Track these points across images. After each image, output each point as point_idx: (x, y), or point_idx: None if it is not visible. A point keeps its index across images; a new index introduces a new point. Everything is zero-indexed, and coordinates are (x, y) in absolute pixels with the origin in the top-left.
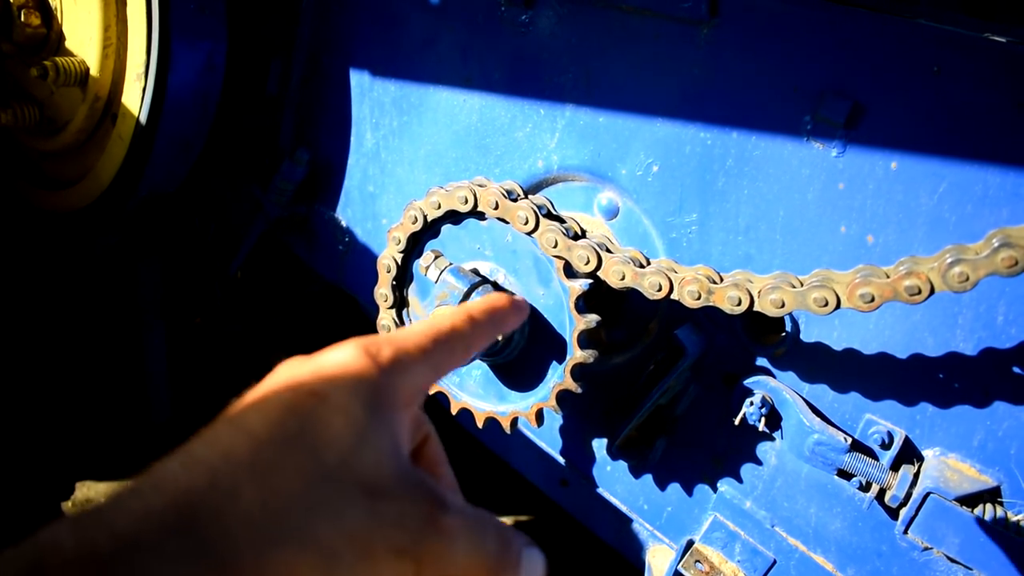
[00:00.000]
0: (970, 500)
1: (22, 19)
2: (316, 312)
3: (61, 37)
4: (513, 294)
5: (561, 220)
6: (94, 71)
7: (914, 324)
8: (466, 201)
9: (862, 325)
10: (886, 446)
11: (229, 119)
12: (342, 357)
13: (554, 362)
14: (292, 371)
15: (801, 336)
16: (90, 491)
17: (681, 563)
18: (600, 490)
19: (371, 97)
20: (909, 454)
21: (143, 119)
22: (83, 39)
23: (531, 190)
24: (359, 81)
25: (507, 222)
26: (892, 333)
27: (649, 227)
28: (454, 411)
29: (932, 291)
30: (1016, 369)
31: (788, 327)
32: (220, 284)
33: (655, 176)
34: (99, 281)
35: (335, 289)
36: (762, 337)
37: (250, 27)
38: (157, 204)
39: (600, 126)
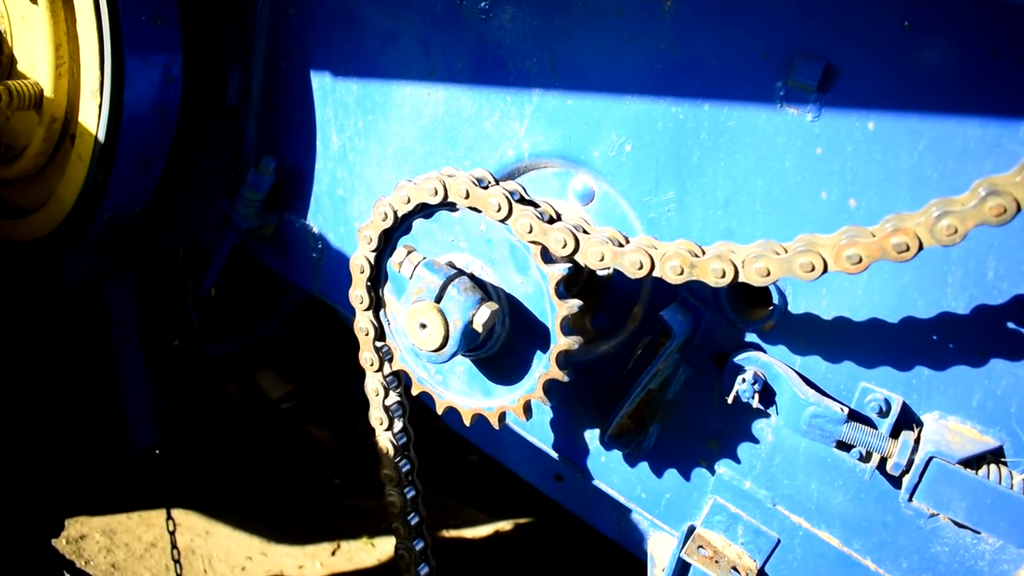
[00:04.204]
0: (974, 462)
1: None
2: (294, 326)
3: (12, 60)
4: None
5: (535, 205)
6: (48, 92)
7: (903, 286)
8: (436, 192)
9: (851, 291)
10: (884, 413)
11: (191, 133)
12: None
13: (538, 352)
14: None
15: (789, 308)
16: (84, 527)
17: (684, 550)
18: (596, 482)
19: (334, 99)
20: (908, 420)
21: (101, 137)
22: (35, 60)
23: (503, 180)
24: (320, 83)
25: (479, 211)
26: (881, 298)
27: (626, 209)
28: (440, 410)
29: (921, 247)
30: (1011, 324)
31: (776, 299)
32: (194, 303)
33: (628, 156)
34: (70, 308)
35: (311, 303)
36: (749, 312)
37: (206, 37)
38: (124, 225)
39: (569, 109)
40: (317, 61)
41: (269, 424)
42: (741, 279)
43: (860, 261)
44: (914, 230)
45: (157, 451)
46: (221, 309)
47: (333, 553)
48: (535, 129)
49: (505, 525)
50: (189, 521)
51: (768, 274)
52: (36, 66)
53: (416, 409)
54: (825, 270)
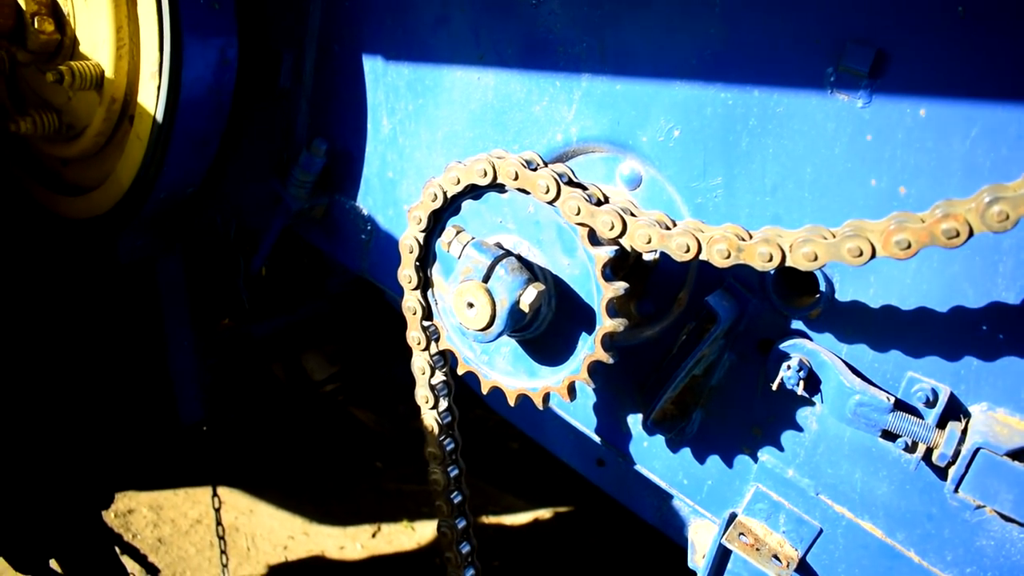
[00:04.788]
0: (1022, 454)
1: (36, 26)
2: (340, 308)
3: (75, 42)
4: None
5: (583, 187)
6: (109, 73)
7: (953, 275)
8: (485, 174)
9: (899, 280)
10: (931, 404)
11: (244, 114)
12: None
13: (584, 334)
14: None
15: (836, 295)
16: (132, 502)
17: (725, 537)
18: (638, 467)
19: (385, 82)
20: (955, 411)
21: (159, 117)
22: (96, 42)
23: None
24: (372, 67)
25: (528, 192)
26: (930, 287)
27: (673, 194)
28: (485, 390)
29: (971, 233)
30: None
31: (822, 287)
32: (244, 282)
33: (677, 141)
34: (123, 285)
35: (357, 285)
36: (795, 299)
37: (260, 20)
38: (178, 204)
39: (618, 94)
40: (369, 45)
41: (313, 405)
42: (788, 263)
43: (909, 247)
44: (964, 216)
45: (204, 428)
46: (270, 289)
47: (374, 535)
48: (584, 114)
49: (545, 513)
50: (233, 499)
51: (815, 259)
52: (97, 48)
53: (457, 395)
54: (873, 255)
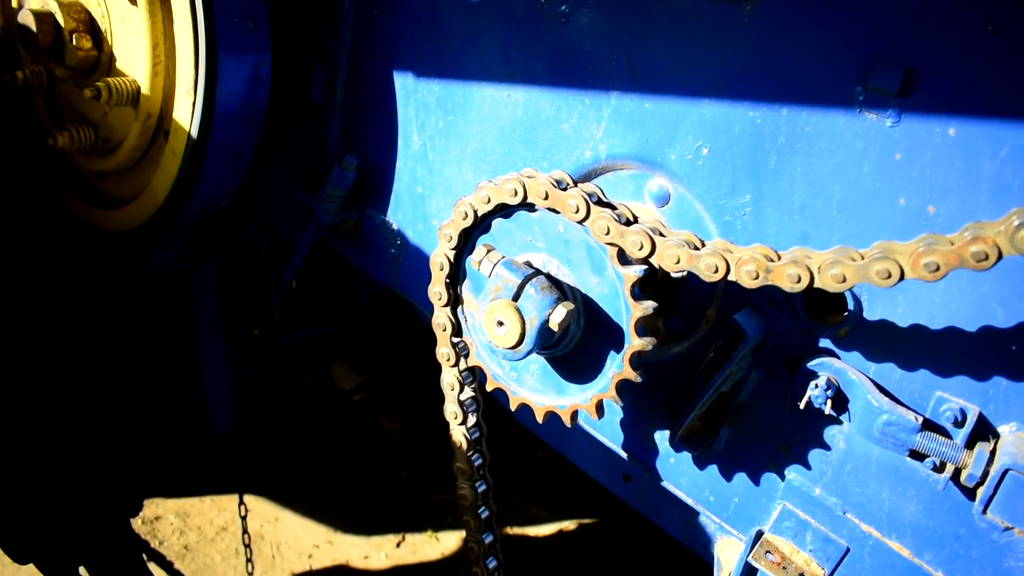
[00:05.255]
0: None
1: (74, 43)
2: (368, 318)
3: (112, 58)
4: None
5: (612, 207)
6: (145, 89)
7: (982, 295)
8: (515, 193)
9: (927, 299)
10: (959, 424)
11: (277, 130)
12: None
13: (612, 352)
14: None
15: (864, 314)
16: (159, 509)
17: (751, 555)
18: (664, 483)
19: (415, 99)
20: (984, 431)
21: (194, 133)
22: (133, 59)
23: (580, 181)
24: (403, 84)
25: (558, 212)
26: (959, 306)
27: (702, 212)
28: (513, 407)
29: (1000, 256)
30: None
31: (850, 305)
32: (275, 294)
33: (705, 159)
34: (157, 296)
35: (387, 296)
36: (824, 318)
37: (293, 38)
38: (211, 217)
39: (646, 112)
40: (400, 62)
41: (340, 415)
42: (816, 285)
43: (938, 269)
44: (994, 239)
45: (233, 439)
46: (300, 300)
47: (398, 545)
48: (612, 131)
49: (569, 524)
50: (259, 507)
51: (844, 280)
52: (134, 64)
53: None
54: (902, 277)
